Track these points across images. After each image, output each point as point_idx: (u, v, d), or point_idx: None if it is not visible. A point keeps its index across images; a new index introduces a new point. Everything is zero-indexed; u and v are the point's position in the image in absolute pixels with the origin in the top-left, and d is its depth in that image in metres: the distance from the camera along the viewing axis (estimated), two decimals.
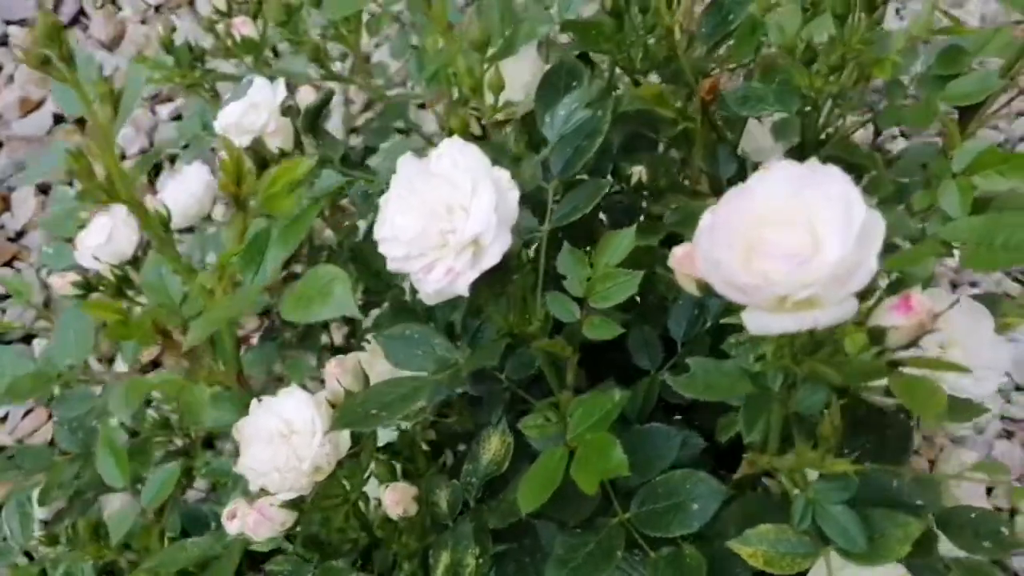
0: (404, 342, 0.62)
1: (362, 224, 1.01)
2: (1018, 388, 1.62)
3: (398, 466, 0.67)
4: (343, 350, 1.09)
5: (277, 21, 0.70)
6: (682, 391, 0.53)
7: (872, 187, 0.73)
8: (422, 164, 0.56)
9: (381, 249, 0.55)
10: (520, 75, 0.73)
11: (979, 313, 0.69)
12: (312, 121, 0.87)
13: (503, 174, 0.54)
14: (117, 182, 0.57)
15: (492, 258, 0.53)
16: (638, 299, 0.76)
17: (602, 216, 0.80)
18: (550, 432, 0.60)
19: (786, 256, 0.43)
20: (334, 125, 1.50)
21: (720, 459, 0.67)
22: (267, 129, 0.91)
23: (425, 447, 0.85)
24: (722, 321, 0.54)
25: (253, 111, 0.91)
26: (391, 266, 0.55)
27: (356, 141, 1.16)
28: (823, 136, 0.81)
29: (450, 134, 0.61)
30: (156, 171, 1.67)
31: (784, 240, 0.44)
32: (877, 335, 0.46)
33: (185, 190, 1.02)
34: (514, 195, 0.54)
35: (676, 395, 0.71)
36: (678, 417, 0.71)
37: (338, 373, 0.62)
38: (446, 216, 0.54)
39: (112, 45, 1.87)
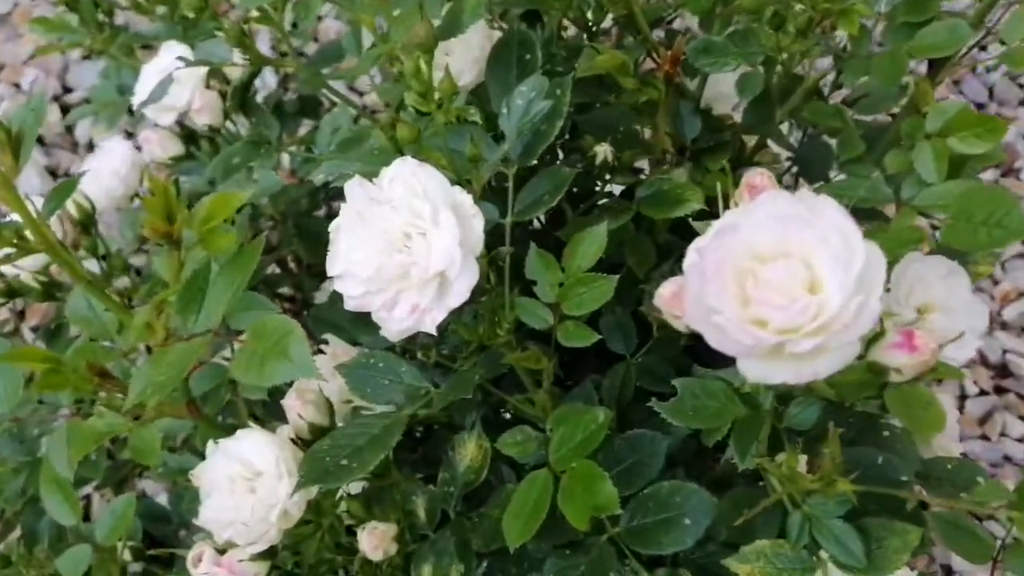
0: (367, 371, 0.58)
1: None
2: None
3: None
4: None
5: (192, 9, 0.62)
6: (670, 418, 0.50)
7: (842, 147, 0.69)
8: (371, 190, 0.50)
9: (336, 287, 0.50)
10: (468, 51, 0.67)
11: (955, 274, 0.67)
12: (241, 97, 0.79)
13: (465, 199, 0.50)
14: (31, 231, 0.51)
15: (460, 295, 0.49)
16: None
17: None
18: (530, 450, 0.58)
19: (783, 303, 0.40)
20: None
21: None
22: (192, 106, 0.84)
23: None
24: None
25: (175, 87, 0.84)
26: (349, 305, 0.50)
27: None
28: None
29: (398, 151, 0.55)
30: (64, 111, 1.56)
31: (780, 279, 0.41)
32: (878, 371, 0.43)
33: (108, 169, 0.94)
34: (479, 222, 0.49)
35: (653, 380, 0.69)
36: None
37: (298, 407, 0.58)
38: (404, 246, 0.49)
39: None
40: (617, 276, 0.57)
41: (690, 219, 0.63)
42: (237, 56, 0.67)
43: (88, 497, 1.34)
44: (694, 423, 0.50)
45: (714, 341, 0.40)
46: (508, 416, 0.72)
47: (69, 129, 1.52)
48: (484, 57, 0.67)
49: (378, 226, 0.50)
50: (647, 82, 0.66)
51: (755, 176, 0.47)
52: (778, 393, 0.50)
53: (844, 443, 0.67)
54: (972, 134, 0.63)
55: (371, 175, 0.52)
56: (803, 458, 0.55)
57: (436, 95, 0.54)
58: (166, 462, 0.87)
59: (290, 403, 0.58)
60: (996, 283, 1.63)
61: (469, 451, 0.65)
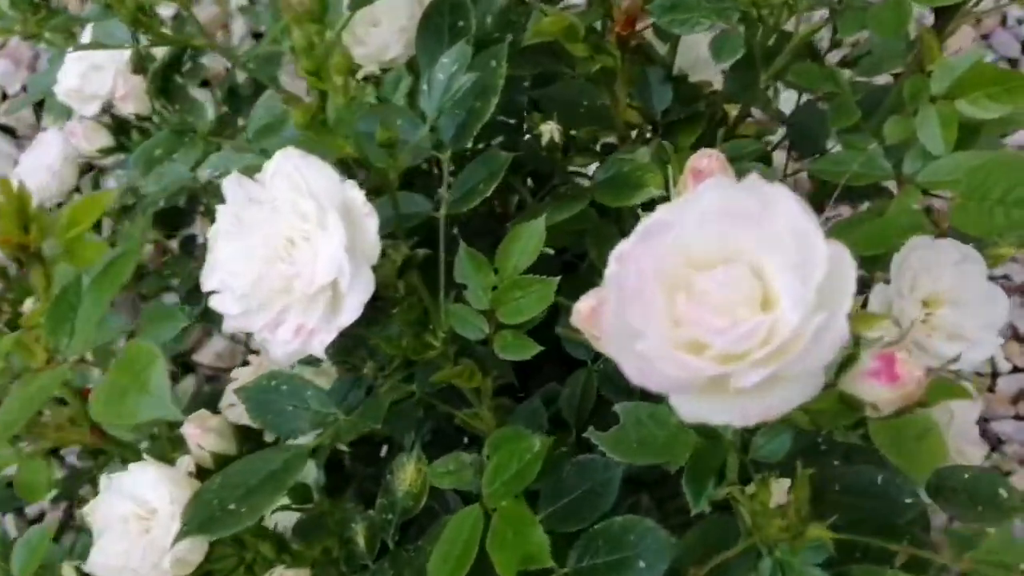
0: (269, 396, 0.50)
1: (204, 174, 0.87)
2: None
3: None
4: None
5: None
6: (610, 453, 0.42)
7: (835, 114, 0.60)
8: (252, 188, 0.42)
9: (213, 304, 0.43)
10: (395, 19, 0.58)
11: (969, 260, 0.58)
12: (163, 81, 0.71)
13: (357, 195, 0.41)
14: None
15: (352, 311, 0.41)
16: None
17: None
18: (467, 479, 0.50)
19: (725, 324, 0.31)
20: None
21: None
22: (115, 93, 0.76)
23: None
24: None
25: (95, 72, 0.76)
26: (228, 326, 0.43)
27: None
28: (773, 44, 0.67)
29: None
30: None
31: (722, 292, 0.32)
32: (853, 404, 0.35)
33: (42, 164, 0.87)
34: (373, 222, 0.41)
35: (617, 388, 0.61)
36: None
37: (197, 436, 0.50)
38: (287, 252, 0.42)
39: None
40: (558, 278, 0.49)
41: (639, 210, 0.55)
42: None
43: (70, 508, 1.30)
44: (639, 458, 0.42)
45: (634, 375, 0.32)
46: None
47: (39, 119, 1.46)
48: (414, 27, 0.58)
49: (259, 231, 0.42)
50: (602, 48, 0.57)
51: (701, 159, 0.38)
52: None
53: (838, 457, 0.58)
54: (985, 94, 0.53)
55: (256, 170, 0.44)
56: (784, 484, 0.47)
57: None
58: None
59: (189, 431, 0.51)
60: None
61: (408, 475, 0.57)
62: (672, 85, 0.65)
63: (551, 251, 0.70)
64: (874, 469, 0.54)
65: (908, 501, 0.55)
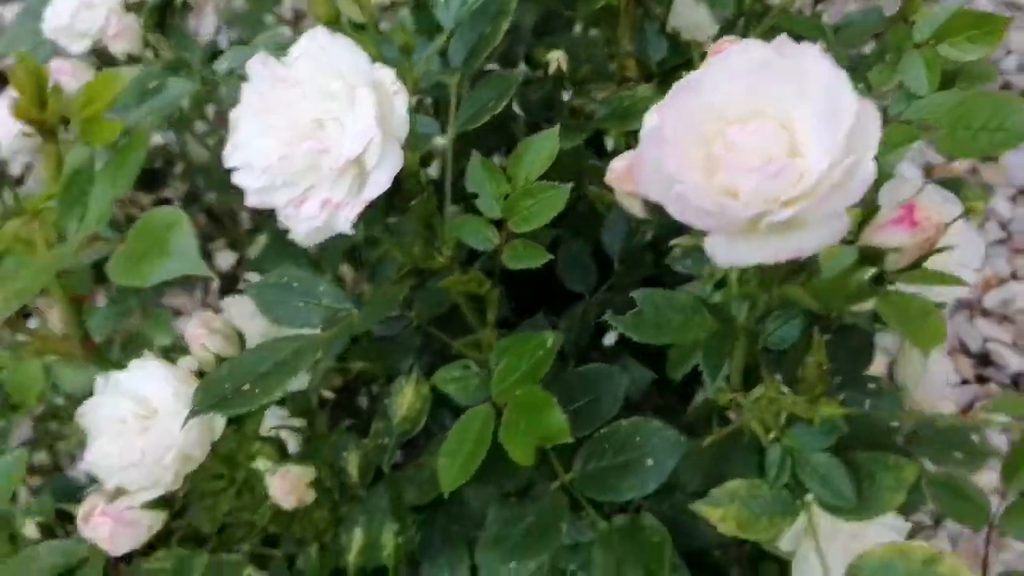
0: (280, 292, 0.50)
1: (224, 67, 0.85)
2: None
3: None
4: (233, 283, 0.96)
5: None
6: (630, 334, 0.43)
7: None
8: (277, 68, 0.43)
9: (236, 180, 0.43)
10: None
11: (948, 203, 0.61)
12: (160, 17, 0.71)
13: (386, 74, 0.42)
14: None
15: (379, 185, 0.41)
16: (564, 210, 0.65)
17: (518, 111, 0.68)
18: (472, 386, 0.50)
19: (757, 165, 0.33)
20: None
21: (666, 385, 0.58)
22: (107, 32, 0.75)
23: (330, 393, 0.74)
24: (671, 243, 0.43)
25: (87, 10, 0.75)
26: (250, 201, 0.43)
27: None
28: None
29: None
30: None
31: (753, 142, 0.34)
32: (872, 256, 0.36)
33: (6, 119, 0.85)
34: (402, 100, 0.42)
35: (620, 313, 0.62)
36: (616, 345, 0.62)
37: (202, 336, 0.50)
38: (314, 133, 0.42)
39: None
40: (570, 184, 0.49)
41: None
42: None
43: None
44: (657, 338, 0.43)
45: (676, 211, 0.33)
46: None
47: None
48: None
49: (285, 113, 0.42)
50: None
51: (723, 43, 0.40)
52: (752, 305, 0.43)
53: None
54: (966, 38, 0.56)
55: (281, 54, 0.44)
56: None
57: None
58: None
59: (193, 332, 0.50)
60: (976, 270, 1.59)
61: (406, 398, 0.57)
62: (667, 39, 0.68)
63: None
64: (862, 396, 0.56)
65: (894, 424, 0.57)
